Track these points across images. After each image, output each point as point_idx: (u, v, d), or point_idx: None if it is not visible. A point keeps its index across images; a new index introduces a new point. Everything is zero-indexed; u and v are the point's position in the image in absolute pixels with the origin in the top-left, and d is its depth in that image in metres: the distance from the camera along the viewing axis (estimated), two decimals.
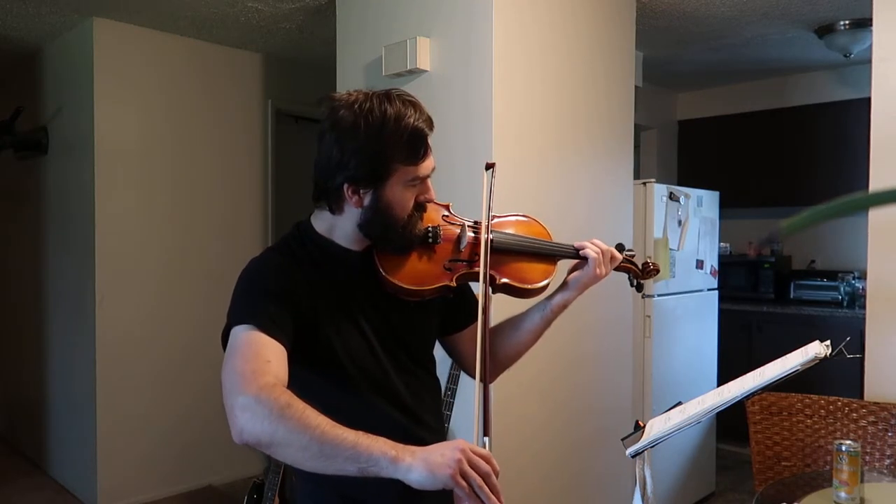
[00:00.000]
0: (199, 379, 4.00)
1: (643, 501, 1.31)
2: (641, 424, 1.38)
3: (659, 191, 3.44)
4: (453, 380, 2.50)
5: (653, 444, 1.32)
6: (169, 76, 3.90)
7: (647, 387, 3.43)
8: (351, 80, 3.12)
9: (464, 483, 0.96)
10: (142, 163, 3.83)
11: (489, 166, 1.36)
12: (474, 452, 0.99)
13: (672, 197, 3.53)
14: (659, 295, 3.46)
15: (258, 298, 1.17)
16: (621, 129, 3.19)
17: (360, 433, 1.00)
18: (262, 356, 1.09)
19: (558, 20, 2.84)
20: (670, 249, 3.51)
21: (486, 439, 1.13)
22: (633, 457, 1.33)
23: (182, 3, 3.43)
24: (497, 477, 0.99)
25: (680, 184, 4.03)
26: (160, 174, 3.89)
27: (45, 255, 4.26)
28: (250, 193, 4.28)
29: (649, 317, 3.42)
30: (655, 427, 1.35)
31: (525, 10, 2.69)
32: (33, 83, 4.26)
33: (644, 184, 3.43)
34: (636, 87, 3.42)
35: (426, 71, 2.77)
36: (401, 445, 1.00)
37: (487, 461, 0.99)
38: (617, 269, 1.48)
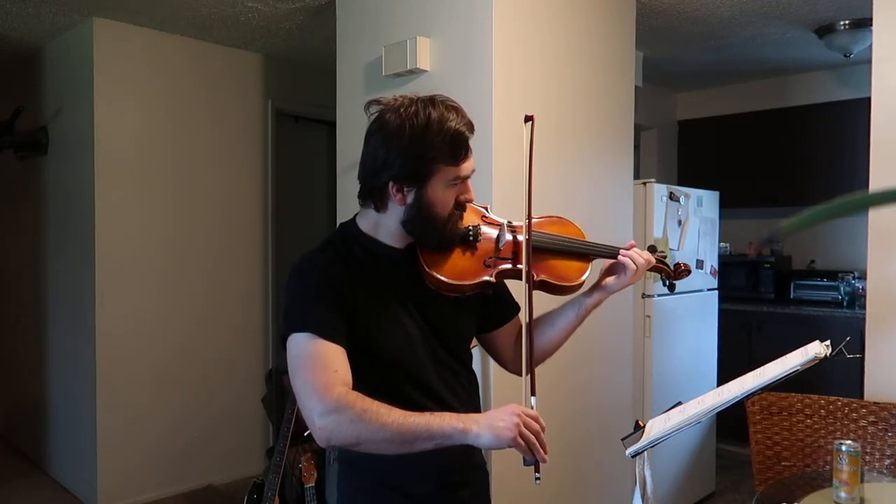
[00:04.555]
0: (200, 379, 4.00)
1: (643, 501, 1.32)
2: (641, 424, 1.39)
3: (659, 191, 3.44)
4: None
5: (653, 444, 1.32)
6: (169, 76, 3.90)
7: (647, 387, 3.43)
8: (351, 80, 3.12)
9: (522, 443, 1.15)
10: (142, 163, 3.82)
11: (528, 118, 1.40)
12: (526, 415, 1.17)
13: (672, 197, 3.53)
14: (659, 295, 3.46)
15: (312, 304, 1.26)
16: (621, 129, 3.18)
17: (428, 415, 1.16)
18: (330, 366, 1.20)
19: (558, 20, 2.84)
20: (670, 249, 3.51)
21: (534, 398, 1.28)
22: (633, 457, 1.33)
23: (182, 3, 3.43)
24: (544, 431, 1.18)
25: (680, 184, 4.02)
26: (160, 174, 3.89)
27: (45, 255, 4.26)
28: (250, 193, 4.28)
29: (649, 317, 3.42)
30: (655, 427, 1.35)
31: (525, 11, 2.69)
32: (33, 83, 4.26)
33: (644, 184, 3.43)
34: (636, 87, 3.42)
35: (426, 71, 2.77)
36: (465, 416, 1.18)
37: (537, 421, 1.18)
38: (650, 269, 1.53)
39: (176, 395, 3.93)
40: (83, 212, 3.75)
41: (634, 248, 1.48)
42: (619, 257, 1.46)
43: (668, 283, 1.61)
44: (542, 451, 1.16)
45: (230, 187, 4.17)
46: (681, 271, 1.60)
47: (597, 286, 1.49)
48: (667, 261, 1.58)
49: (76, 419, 3.90)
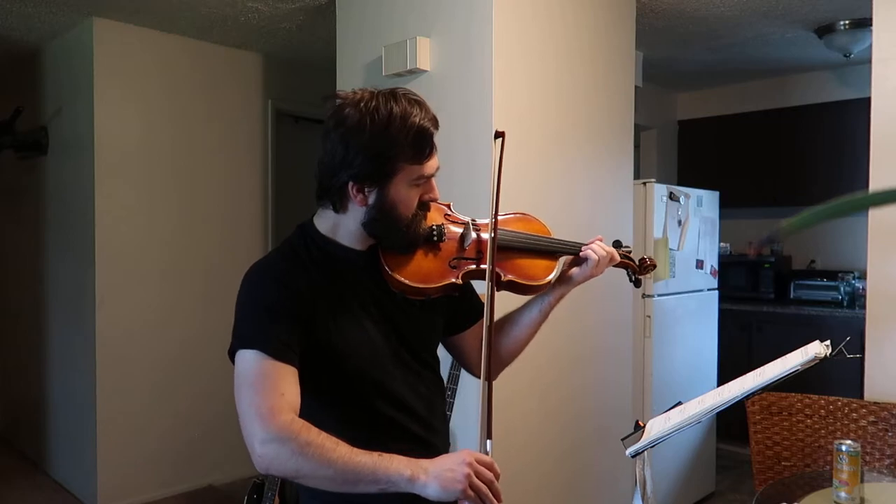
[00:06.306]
0: (200, 379, 4.00)
1: (643, 501, 1.31)
2: (641, 424, 1.38)
3: (659, 191, 3.44)
4: (453, 380, 2.50)
5: (653, 444, 1.32)
6: (169, 76, 3.90)
7: (646, 387, 3.43)
8: (351, 80, 3.12)
9: (472, 494, 1.08)
10: (142, 163, 3.82)
11: (498, 135, 1.34)
12: (479, 462, 1.10)
13: (672, 197, 3.53)
14: (659, 295, 3.46)
15: (264, 318, 1.18)
16: (621, 129, 3.18)
17: (377, 455, 1.08)
18: (277, 389, 1.12)
19: (558, 20, 2.84)
20: (670, 249, 3.51)
21: (489, 442, 1.20)
22: (633, 457, 1.33)
23: (182, 3, 3.43)
24: (498, 479, 1.11)
25: (680, 184, 4.02)
26: (160, 174, 3.89)
27: (45, 255, 4.26)
28: (250, 193, 4.28)
29: (649, 317, 3.42)
30: (655, 427, 1.35)
31: (525, 11, 2.69)
32: (33, 83, 4.26)
33: (644, 184, 3.43)
34: (636, 87, 3.42)
35: (426, 71, 2.77)
36: (414, 462, 1.10)
37: (490, 468, 1.11)
38: (616, 265, 1.50)
39: (176, 395, 3.93)
40: (83, 212, 3.75)
41: (599, 241, 1.45)
42: (582, 249, 1.43)
43: (633, 277, 1.57)
44: (494, 502, 1.09)
45: (230, 187, 4.17)
46: (646, 266, 1.57)
47: (560, 280, 1.45)
48: (631, 255, 1.56)
49: (76, 419, 3.89)
